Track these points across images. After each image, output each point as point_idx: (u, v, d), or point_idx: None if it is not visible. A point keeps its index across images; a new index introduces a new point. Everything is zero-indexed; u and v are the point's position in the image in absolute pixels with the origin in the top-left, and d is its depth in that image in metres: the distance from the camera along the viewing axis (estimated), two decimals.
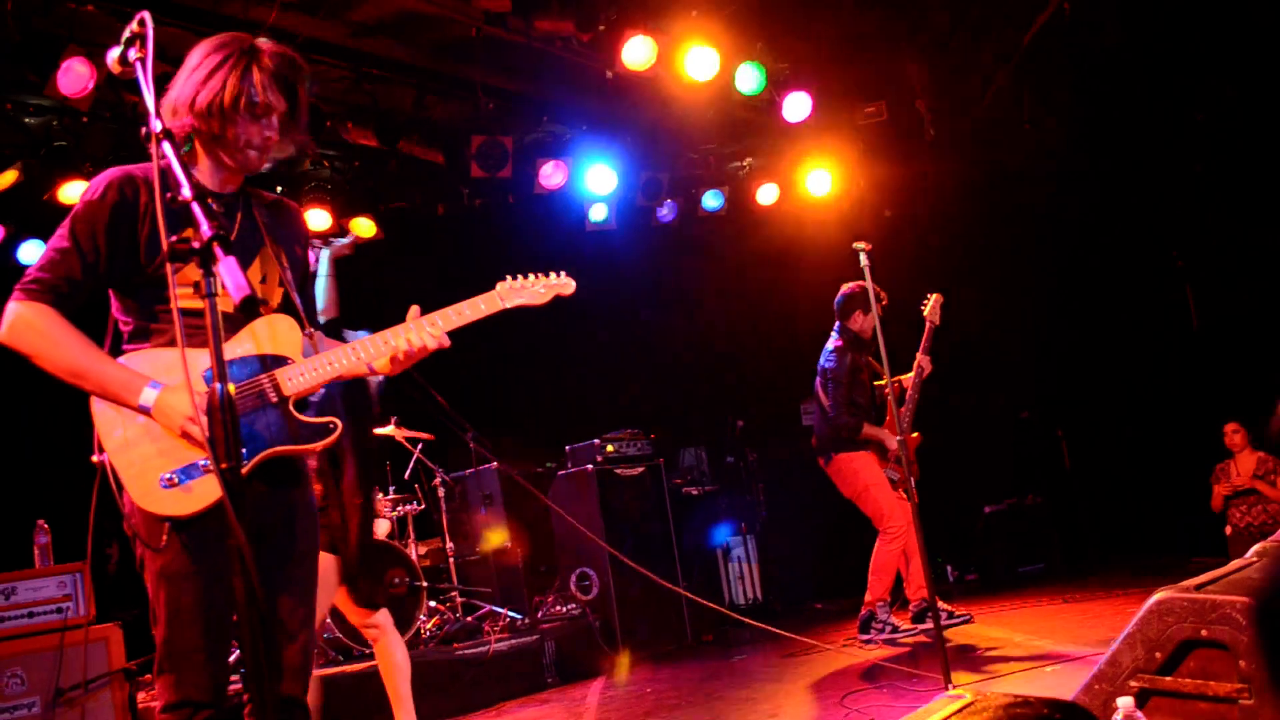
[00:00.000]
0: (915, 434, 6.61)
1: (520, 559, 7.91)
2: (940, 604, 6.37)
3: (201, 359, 2.37)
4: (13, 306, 2.41)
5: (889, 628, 6.31)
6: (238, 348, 2.56)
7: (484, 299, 2.86)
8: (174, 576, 2.41)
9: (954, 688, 4.21)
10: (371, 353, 2.67)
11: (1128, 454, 8.75)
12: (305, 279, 2.85)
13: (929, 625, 6.28)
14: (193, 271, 2.34)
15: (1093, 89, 8.30)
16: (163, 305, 2.50)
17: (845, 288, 6.66)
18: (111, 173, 2.51)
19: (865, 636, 6.35)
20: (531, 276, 3.00)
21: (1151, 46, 7.82)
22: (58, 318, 2.42)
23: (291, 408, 2.56)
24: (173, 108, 2.53)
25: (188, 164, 2.61)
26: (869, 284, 4.89)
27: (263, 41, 2.60)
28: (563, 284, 3.07)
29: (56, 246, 2.45)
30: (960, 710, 2.07)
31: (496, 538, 6.38)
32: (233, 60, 2.52)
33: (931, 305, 6.54)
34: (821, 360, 6.64)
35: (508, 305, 2.91)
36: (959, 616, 6.36)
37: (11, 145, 6.70)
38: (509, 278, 2.97)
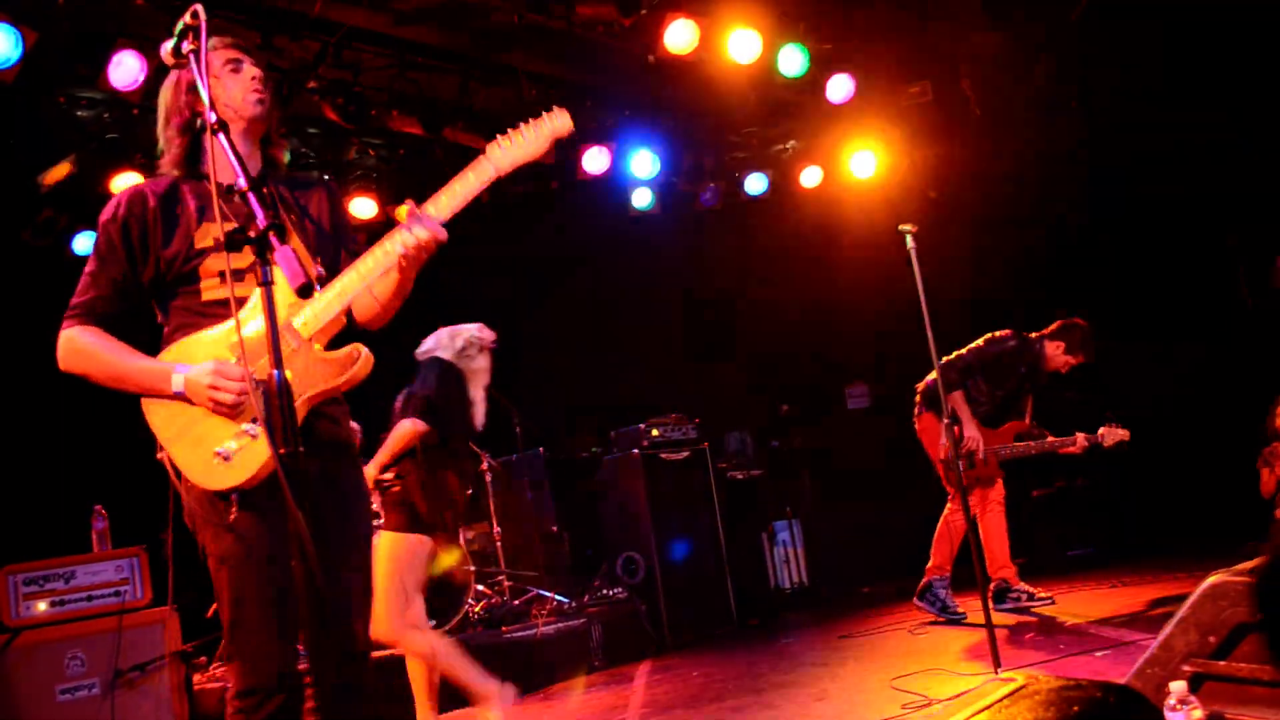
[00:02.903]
0: (1000, 474, 6.44)
1: (567, 543, 7.95)
2: (1023, 585, 6.35)
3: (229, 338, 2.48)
4: (61, 336, 2.57)
5: (939, 604, 6.30)
6: (251, 322, 2.52)
7: (473, 168, 2.60)
8: (235, 560, 2.46)
9: (1004, 671, 4.19)
10: (373, 265, 2.54)
11: (1178, 436, 8.62)
12: (334, 237, 2.83)
13: (1007, 605, 6.27)
14: (216, 262, 2.50)
15: (1142, 66, 8.15)
16: (178, 301, 2.60)
17: (1080, 321, 6.51)
18: (121, 193, 2.65)
19: (919, 603, 6.38)
20: (521, 126, 2.64)
21: (1203, 21, 7.66)
22: (97, 333, 2.56)
23: (315, 347, 2.56)
24: (164, 120, 2.68)
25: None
26: (915, 266, 4.81)
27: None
28: (555, 120, 2.65)
29: (87, 271, 2.61)
30: (1012, 693, 2.07)
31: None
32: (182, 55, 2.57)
33: (1112, 433, 6.33)
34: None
35: (503, 167, 2.62)
36: (1041, 598, 6.28)
37: (65, 138, 6.81)
38: (497, 137, 2.63)
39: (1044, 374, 6.57)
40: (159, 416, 2.52)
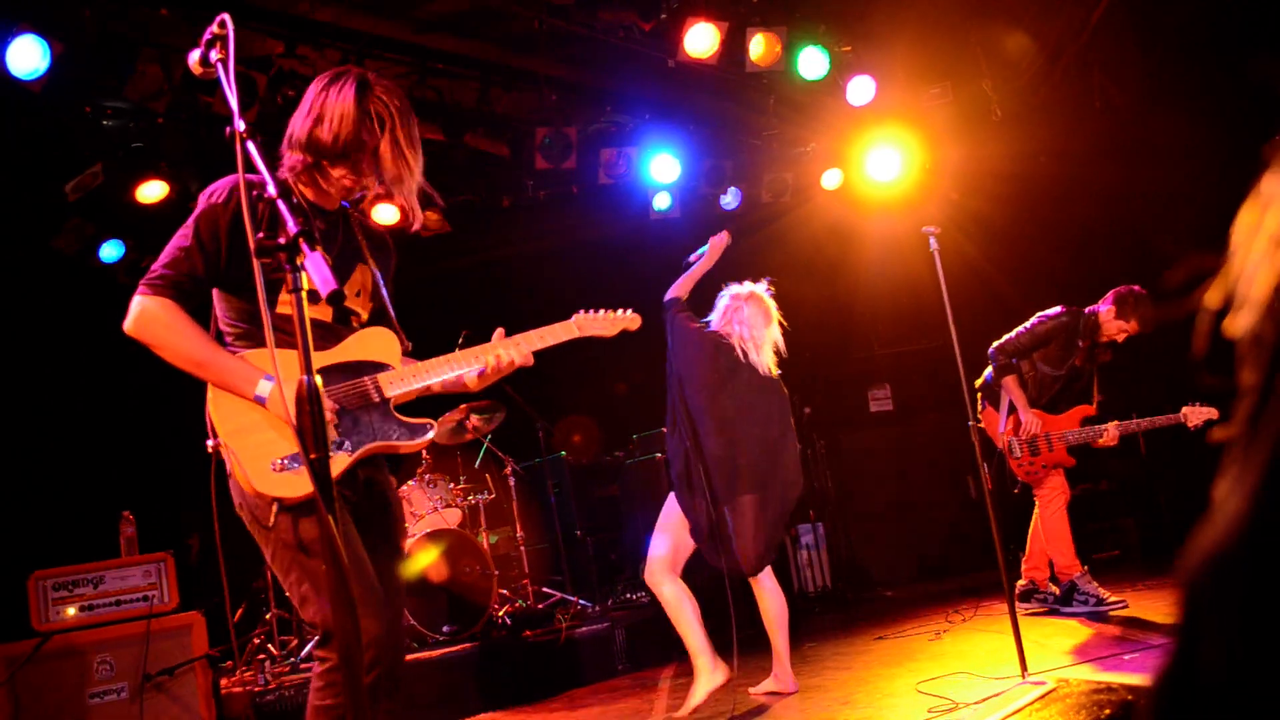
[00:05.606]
0: (1072, 462, 6.23)
1: (590, 547, 7.95)
2: (1051, 587, 6.27)
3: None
4: (140, 300, 2.57)
5: (1093, 599, 6.00)
6: (343, 354, 2.75)
7: (562, 327, 3.29)
8: (310, 544, 2.53)
9: (1031, 675, 4.16)
10: (463, 367, 2.94)
11: (1204, 437, 8.54)
12: (386, 293, 3.00)
13: (1032, 606, 6.23)
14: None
15: (1164, 65, 8.10)
16: (253, 307, 2.65)
17: (1138, 288, 6.23)
18: (233, 178, 2.62)
19: (1069, 609, 6.10)
20: (604, 311, 3.47)
21: (1225, 19, 7.60)
22: (181, 312, 2.58)
23: (393, 409, 2.77)
24: (288, 141, 2.73)
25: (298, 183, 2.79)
26: (939, 268, 4.79)
27: (373, 78, 2.74)
28: (629, 320, 3.58)
29: (181, 245, 2.60)
30: (1044, 696, 2.06)
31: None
32: (342, 96, 2.66)
33: (1196, 412, 6.06)
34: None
35: (583, 334, 3.36)
36: (1113, 601, 5.98)
37: (90, 147, 6.87)
38: (583, 311, 3.41)
39: (1103, 346, 6.28)
40: (224, 409, 2.58)
